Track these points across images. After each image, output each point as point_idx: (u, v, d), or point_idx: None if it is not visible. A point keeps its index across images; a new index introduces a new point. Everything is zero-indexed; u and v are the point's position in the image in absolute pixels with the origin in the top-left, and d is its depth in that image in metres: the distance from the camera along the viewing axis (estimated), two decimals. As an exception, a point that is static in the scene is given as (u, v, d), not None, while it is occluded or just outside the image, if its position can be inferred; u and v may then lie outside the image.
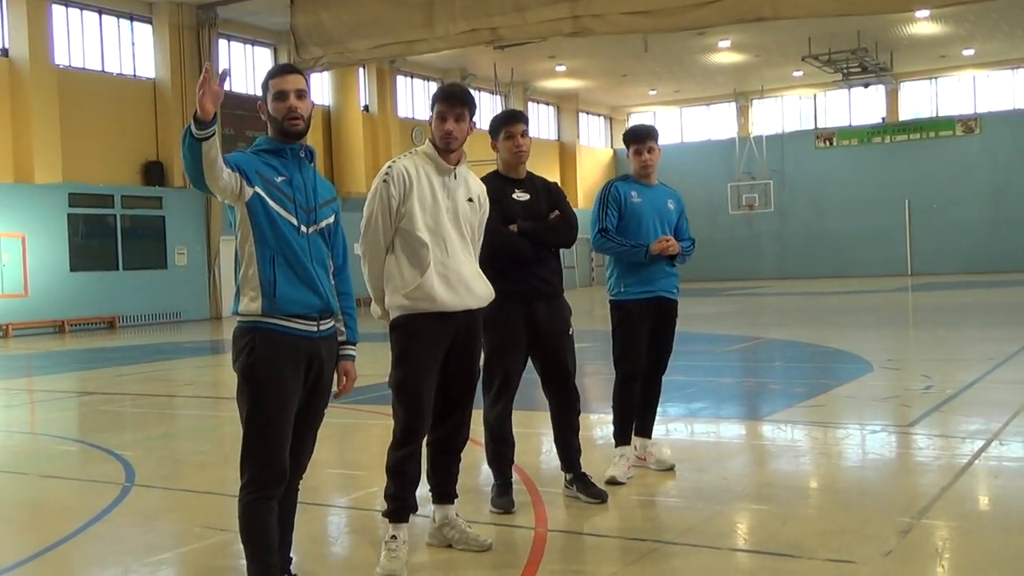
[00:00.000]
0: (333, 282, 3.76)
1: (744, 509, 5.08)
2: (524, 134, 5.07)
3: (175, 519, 5.32)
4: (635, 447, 5.83)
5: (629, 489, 5.46)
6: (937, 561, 4.11)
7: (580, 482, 5.24)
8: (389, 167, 4.34)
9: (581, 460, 5.30)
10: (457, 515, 4.53)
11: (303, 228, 3.61)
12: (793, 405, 8.32)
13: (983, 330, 14.65)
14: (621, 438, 5.73)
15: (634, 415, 5.79)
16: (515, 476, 5.76)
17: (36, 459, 7.33)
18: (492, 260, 4.90)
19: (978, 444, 6.30)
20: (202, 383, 11.97)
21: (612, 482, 5.46)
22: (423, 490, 4.41)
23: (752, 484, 5.62)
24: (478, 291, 4.42)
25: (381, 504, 4.41)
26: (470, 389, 4.50)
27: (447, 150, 4.37)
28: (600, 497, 5.17)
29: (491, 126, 5.15)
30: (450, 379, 4.39)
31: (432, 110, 4.41)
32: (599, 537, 4.68)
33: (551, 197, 5.23)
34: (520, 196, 5.10)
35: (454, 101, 4.37)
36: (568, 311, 5.27)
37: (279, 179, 3.58)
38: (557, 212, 5.17)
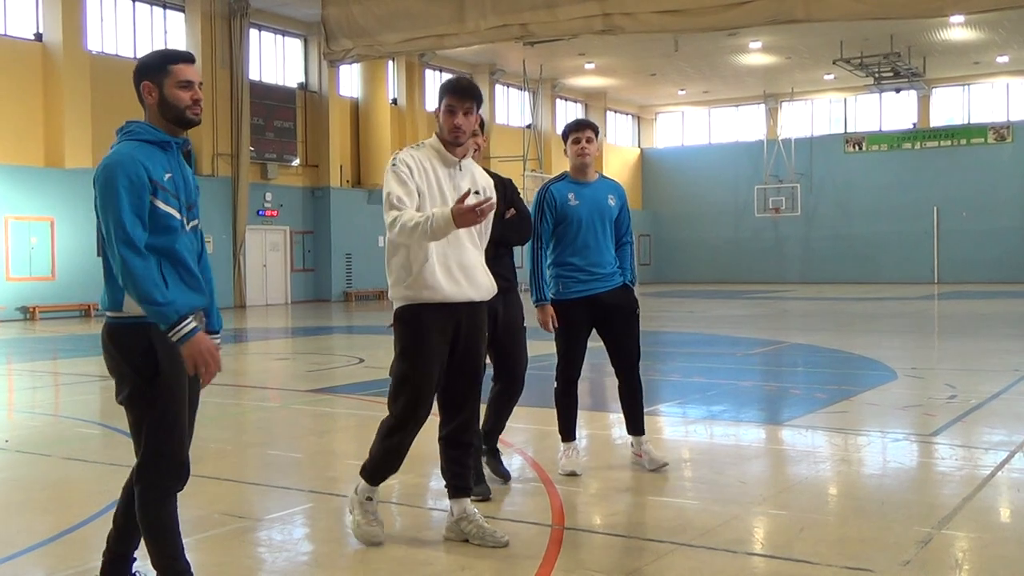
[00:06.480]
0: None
1: (762, 513, 5.06)
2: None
3: (195, 505, 5.35)
4: (631, 444, 5.98)
5: (646, 489, 5.47)
6: (956, 572, 4.08)
7: (493, 457, 5.54)
8: (394, 158, 4.38)
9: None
10: (475, 510, 4.54)
11: (186, 225, 3.56)
12: (814, 411, 8.27)
13: (1009, 341, 14.50)
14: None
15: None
16: (532, 473, 5.78)
17: (59, 441, 7.39)
18: None
19: (1001, 456, 6.24)
20: (224, 371, 12.01)
21: (573, 474, 5.69)
22: (439, 483, 4.41)
23: (771, 489, 5.59)
24: (481, 283, 4.44)
25: (397, 495, 4.43)
26: (476, 382, 4.52)
27: (455, 143, 4.39)
28: (505, 477, 5.49)
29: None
30: (456, 372, 4.41)
31: (440, 103, 4.40)
32: (616, 536, 4.67)
33: (507, 193, 5.33)
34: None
35: (464, 95, 4.36)
36: (521, 307, 5.45)
37: (166, 176, 3.44)
38: (513, 210, 5.31)
